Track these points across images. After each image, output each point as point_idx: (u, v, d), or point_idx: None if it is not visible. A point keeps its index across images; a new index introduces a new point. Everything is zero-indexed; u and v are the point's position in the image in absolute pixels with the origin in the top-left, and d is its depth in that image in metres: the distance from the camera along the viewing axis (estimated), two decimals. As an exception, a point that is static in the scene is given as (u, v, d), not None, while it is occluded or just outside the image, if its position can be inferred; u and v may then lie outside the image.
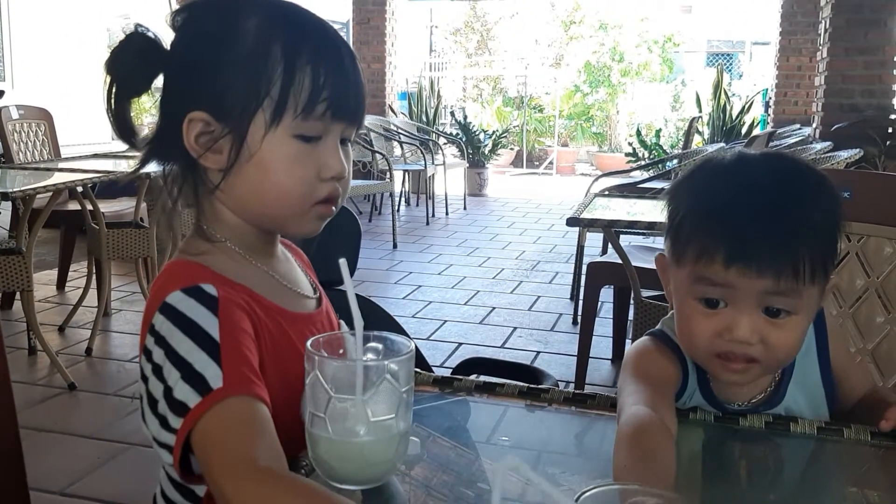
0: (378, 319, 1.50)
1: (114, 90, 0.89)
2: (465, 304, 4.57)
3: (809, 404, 1.01)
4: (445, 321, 4.21)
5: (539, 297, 4.74)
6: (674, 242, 0.93)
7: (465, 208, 8.24)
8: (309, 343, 0.75)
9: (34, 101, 4.72)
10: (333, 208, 0.91)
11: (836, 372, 1.02)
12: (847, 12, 5.71)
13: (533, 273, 5.36)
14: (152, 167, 0.96)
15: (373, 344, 0.80)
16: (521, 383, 1.05)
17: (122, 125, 0.91)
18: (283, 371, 0.86)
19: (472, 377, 1.10)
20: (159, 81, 0.91)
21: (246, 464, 0.71)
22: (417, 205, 8.27)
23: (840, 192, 0.95)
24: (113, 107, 0.90)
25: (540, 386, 1.05)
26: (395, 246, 6.14)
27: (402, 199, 8.49)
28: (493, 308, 4.47)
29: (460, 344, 3.83)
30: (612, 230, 2.54)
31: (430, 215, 7.51)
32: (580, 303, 3.62)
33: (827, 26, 5.89)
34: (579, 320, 3.57)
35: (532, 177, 12.07)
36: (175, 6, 5.14)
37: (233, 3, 0.89)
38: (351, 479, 0.75)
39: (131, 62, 0.89)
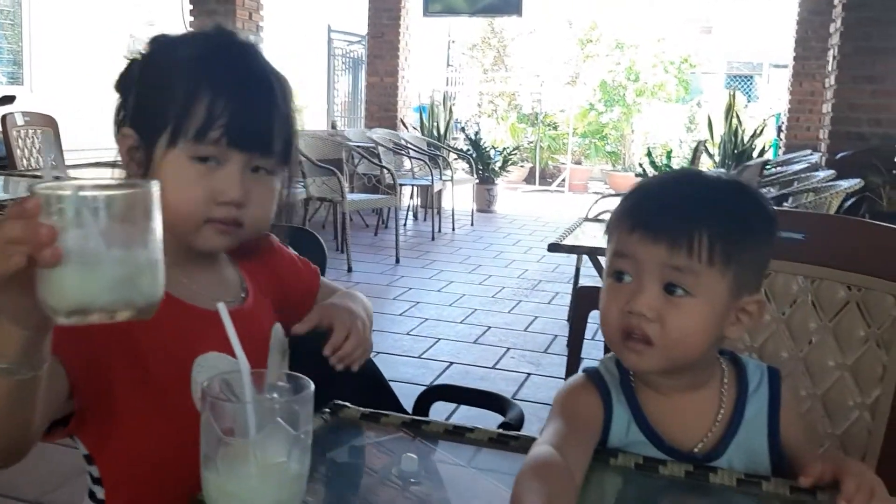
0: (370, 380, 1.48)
1: (120, 111, 1.03)
2: (461, 322, 4.56)
3: (748, 469, 0.97)
4: (439, 339, 4.20)
5: (536, 317, 4.72)
6: (607, 229, 0.99)
7: (472, 224, 8.24)
8: (204, 383, 0.75)
9: (52, 106, 4.78)
10: (235, 228, 0.97)
11: (788, 448, 1.00)
12: (855, 40, 5.67)
13: (533, 293, 5.35)
14: None
15: (277, 383, 0.81)
16: (492, 430, 1.04)
17: None
18: (172, 356, 0.95)
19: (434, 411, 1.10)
20: None
21: None
22: (425, 219, 8.28)
23: (774, 213, 0.97)
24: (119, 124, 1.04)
25: (508, 433, 1.04)
26: (397, 261, 6.15)
27: (411, 213, 8.51)
28: (489, 327, 4.46)
29: (451, 363, 3.83)
30: (596, 256, 2.53)
31: (437, 230, 7.52)
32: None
33: (835, 53, 5.86)
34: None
35: (544, 194, 12.06)
36: (188, 17, 5.18)
37: (180, 38, 1.00)
38: None
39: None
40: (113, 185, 0.67)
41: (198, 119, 0.92)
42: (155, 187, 0.68)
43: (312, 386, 0.78)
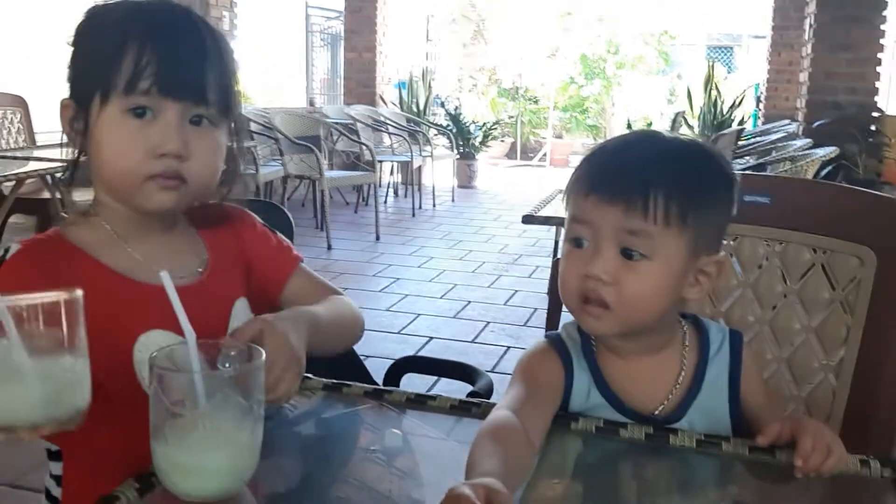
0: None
1: None
2: (441, 297, 4.56)
3: (709, 431, 0.98)
4: (419, 315, 4.20)
5: (517, 291, 4.73)
6: (565, 193, 0.98)
7: (453, 200, 8.22)
8: (152, 354, 0.74)
9: (24, 87, 4.70)
10: (178, 182, 0.94)
11: (750, 411, 1.00)
12: (832, 9, 5.67)
13: (513, 267, 5.35)
14: None
15: (231, 354, 0.80)
16: (453, 398, 1.04)
17: None
18: (112, 336, 0.92)
19: (404, 389, 1.09)
20: None
21: None
22: (406, 196, 8.24)
23: (732, 172, 0.96)
24: None
25: (470, 400, 1.04)
26: (377, 238, 6.12)
27: (391, 190, 8.47)
28: (469, 302, 4.46)
29: (431, 338, 3.83)
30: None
31: (417, 207, 7.50)
32: (551, 298, 3.62)
33: (812, 22, 5.86)
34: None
35: (525, 169, 12.05)
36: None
37: (113, 4, 0.97)
38: (194, 492, 0.75)
39: None
40: (34, 297, 0.67)
41: (126, 71, 0.91)
42: (78, 293, 0.68)
43: (264, 355, 0.77)
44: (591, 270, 0.90)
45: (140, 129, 0.92)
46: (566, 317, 1.47)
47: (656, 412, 0.97)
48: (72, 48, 0.97)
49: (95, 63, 0.93)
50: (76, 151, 0.99)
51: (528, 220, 2.35)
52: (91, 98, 0.93)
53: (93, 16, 0.97)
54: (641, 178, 0.89)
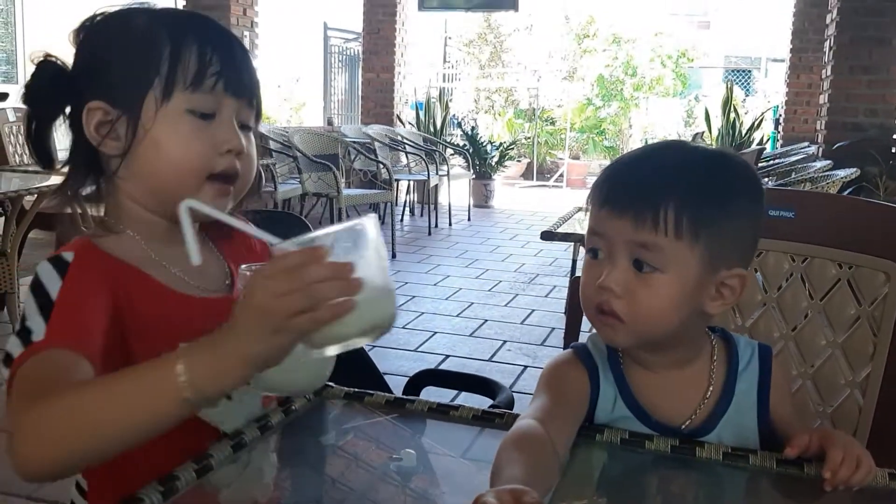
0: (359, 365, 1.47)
1: (33, 120, 0.95)
2: (457, 315, 4.54)
3: (737, 445, 0.96)
4: (435, 333, 4.18)
5: (533, 310, 4.71)
6: (585, 203, 0.98)
7: (469, 219, 8.22)
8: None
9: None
10: (231, 189, 0.95)
11: (779, 426, 0.99)
12: (852, 30, 5.65)
13: (530, 286, 5.33)
14: None
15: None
16: (475, 407, 1.03)
17: (41, 151, 0.97)
18: (157, 346, 0.88)
19: (425, 398, 1.09)
20: None
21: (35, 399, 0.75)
22: (422, 215, 8.26)
23: (757, 184, 0.95)
24: (33, 135, 0.95)
25: (494, 410, 1.03)
26: (393, 256, 6.13)
27: (407, 209, 8.49)
28: (486, 321, 4.45)
29: (447, 356, 3.81)
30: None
31: (433, 226, 7.51)
32: (569, 317, 3.59)
33: (832, 44, 5.84)
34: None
35: (542, 189, 12.05)
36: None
37: (125, 10, 0.97)
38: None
39: (44, 91, 0.94)
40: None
41: (192, 67, 0.91)
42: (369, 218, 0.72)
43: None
44: (604, 282, 0.90)
45: (202, 128, 0.92)
46: (584, 336, 1.45)
47: (683, 426, 0.96)
48: (100, 54, 0.93)
49: (150, 60, 0.91)
50: (78, 157, 0.95)
51: (548, 236, 2.34)
52: (142, 96, 0.90)
53: (120, 18, 0.94)
54: (651, 191, 0.88)
